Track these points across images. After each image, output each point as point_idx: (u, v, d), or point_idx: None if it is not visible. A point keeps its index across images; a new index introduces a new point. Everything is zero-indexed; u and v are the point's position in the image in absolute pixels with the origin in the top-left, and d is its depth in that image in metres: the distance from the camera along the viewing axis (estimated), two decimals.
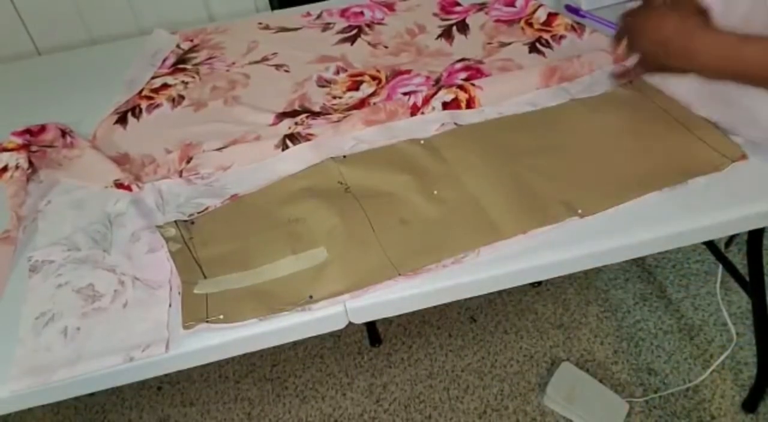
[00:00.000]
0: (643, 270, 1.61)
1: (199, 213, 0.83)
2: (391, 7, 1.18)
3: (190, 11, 1.27)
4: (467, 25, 1.11)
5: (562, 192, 0.78)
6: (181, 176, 0.89)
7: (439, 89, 0.96)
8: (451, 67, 1.02)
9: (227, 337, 0.70)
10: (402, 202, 0.79)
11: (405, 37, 1.11)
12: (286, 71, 1.06)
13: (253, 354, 0.73)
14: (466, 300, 1.45)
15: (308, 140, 0.91)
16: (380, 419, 1.41)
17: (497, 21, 1.11)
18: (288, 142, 0.91)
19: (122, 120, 1.00)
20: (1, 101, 1.08)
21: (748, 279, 1.29)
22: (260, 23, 1.18)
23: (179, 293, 0.73)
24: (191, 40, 1.16)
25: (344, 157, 0.87)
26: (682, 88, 0.85)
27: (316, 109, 0.98)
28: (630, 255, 0.77)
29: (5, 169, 0.91)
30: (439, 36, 1.10)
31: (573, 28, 1.06)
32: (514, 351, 1.48)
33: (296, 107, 0.99)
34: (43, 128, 0.96)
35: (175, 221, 0.81)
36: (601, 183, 0.79)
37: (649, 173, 0.79)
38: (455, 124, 0.91)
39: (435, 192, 0.80)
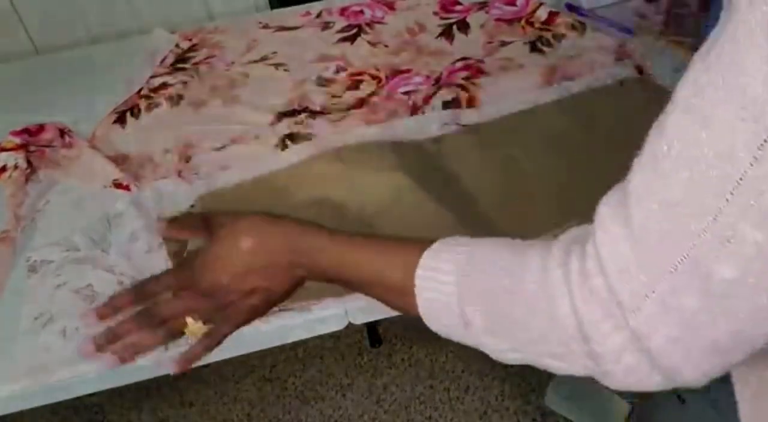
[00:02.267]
0: None
1: (191, 205, 0.83)
2: (391, 6, 1.17)
3: (189, 10, 1.27)
4: (468, 24, 1.11)
5: (563, 198, 0.78)
6: (180, 176, 0.89)
7: (440, 88, 0.96)
8: (452, 66, 1.02)
9: (226, 338, 0.70)
10: (400, 206, 0.79)
11: (405, 36, 1.10)
12: (286, 70, 1.06)
13: (253, 354, 0.73)
14: None
15: (308, 140, 0.91)
16: (380, 420, 1.41)
17: (498, 20, 1.11)
18: (288, 142, 0.91)
19: (121, 119, 1.00)
20: None
21: None
22: (260, 22, 1.18)
23: None
24: (190, 40, 1.16)
25: (340, 154, 0.86)
26: None
27: (316, 108, 0.97)
28: None
29: (4, 168, 0.90)
30: (440, 35, 1.09)
31: (574, 27, 1.06)
32: None
33: (296, 106, 0.98)
34: (41, 128, 0.95)
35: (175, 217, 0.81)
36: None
37: None
38: (456, 124, 0.90)
39: (438, 194, 0.80)
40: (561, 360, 0.41)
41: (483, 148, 0.86)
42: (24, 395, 0.68)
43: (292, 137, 0.91)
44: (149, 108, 1.02)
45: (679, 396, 0.59)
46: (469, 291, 0.43)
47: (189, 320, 0.54)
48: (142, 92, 1.05)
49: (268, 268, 0.53)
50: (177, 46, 1.14)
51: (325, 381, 1.48)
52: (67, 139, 0.95)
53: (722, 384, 0.51)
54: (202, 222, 0.57)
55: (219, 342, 0.56)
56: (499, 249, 0.44)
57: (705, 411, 0.55)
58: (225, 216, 0.56)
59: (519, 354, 0.44)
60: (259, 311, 0.56)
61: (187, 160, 0.91)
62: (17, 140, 0.93)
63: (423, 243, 0.47)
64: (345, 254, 0.51)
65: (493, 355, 0.45)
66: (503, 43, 1.06)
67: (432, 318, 0.46)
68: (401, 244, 0.49)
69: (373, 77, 1.02)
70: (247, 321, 0.56)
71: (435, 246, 0.46)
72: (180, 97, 1.03)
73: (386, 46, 1.09)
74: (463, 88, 0.96)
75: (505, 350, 0.43)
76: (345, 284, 0.53)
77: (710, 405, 0.54)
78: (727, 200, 0.31)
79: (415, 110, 0.94)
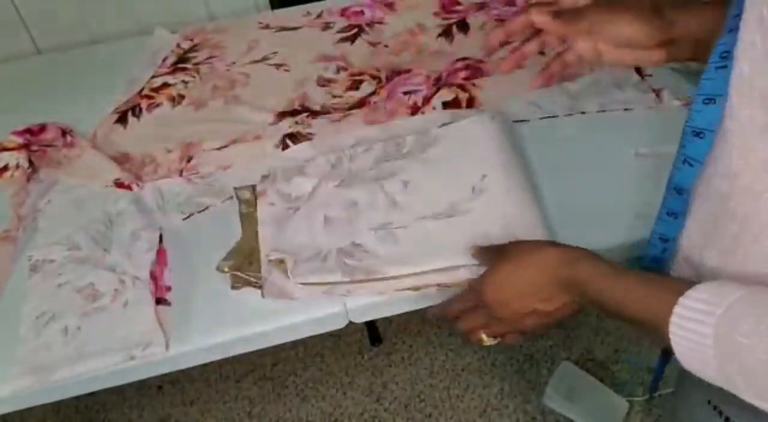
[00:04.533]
0: (644, 269, 1.61)
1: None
2: (391, 6, 1.17)
3: (190, 11, 1.27)
4: (467, 25, 1.11)
5: None
6: (181, 175, 0.89)
7: (440, 88, 0.96)
8: (452, 66, 1.02)
9: (227, 337, 0.70)
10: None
11: (405, 36, 1.11)
12: (286, 70, 1.06)
13: (253, 353, 0.73)
14: None
15: (308, 139, 0.91)
16: (381, 418, 1.41)
17: (498, 20, 1.11)
18: (288, 142, 0.91)
19: (122, 119, 1.00)
20: (1, 101, 1.08)
21: None
22: (260, 22, 1.18)
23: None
24: (191, 40, 1.16)
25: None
26: None
27: (317, 108, 0.98)
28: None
29: (5, 168, 0.91)
30: (440, 35, 1.10)
31: None
32: (514, 351, 1.49)
33: (296, 106, 0.98)
34: (43, 127, 0.96)
35: (252, 185, 0.84)
36: None
37: None
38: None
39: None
40: None
41: None
42: (25, 394, 0.68)
43: (293, 137, 0.92)
44: (150, 108, 1.02)
45: (727, 419, 0.57)
46: (727, 350, 0.42)
47: (483, 336, 0.64)
48: (144, 92, 1.05)
49: (544, 291, 0.58)
50: (178, 46, 1.15)
51: (326, 380, 1.48)
52: (68, 138, 0.95)
53: None
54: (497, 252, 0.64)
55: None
56: (763, 307, 0.42)
57: None
58: (518, 244, 0.64)
59: None
60: (537, 330, 0.62)
61: (189, 159, 0.91)
62: (19, 140, 0.94)
63: (685, 283, 0.46)
64: (610, 287, 0.53)
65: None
66: (503, 43, 1.05)
67: (686, 361, 0.45)
68: (664, 281, 0.50)
69: (373, 77, 1.02)
70: (526, 337, 0.65)
71: (696, 289, 0.45)
72: (181, 96, 1.03)
73: (386, 46, 1.09)
74: (463, 88, 0.96)
75: None
76: (606, 310, 0.54)
77: None
78: None
79: (415, 110, 0.94)
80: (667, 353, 0.72)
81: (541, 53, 1.02)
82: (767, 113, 0.41)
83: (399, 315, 0.75)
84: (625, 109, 0.90)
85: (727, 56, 0.43)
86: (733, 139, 0.44)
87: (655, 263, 0.59)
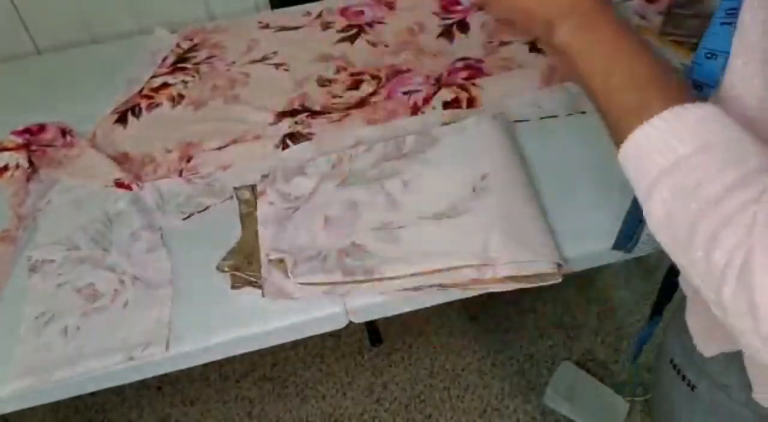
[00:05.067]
0: (644, 269, 1.61)
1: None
2: (391, 6, 1.17)
3: (190, 10, 1.27)
4: (468, 24, 1.11)
5: None
6: (181, 175, 0.89)
7: (440, 88, 0.96)
8: (452, 66, 1.02)
9: (227, 337, 0.70)
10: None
11: (405, 36, 1.10)
12: (286, 70, 1.06)
13: (253, 353, 0.73)
14: (465, 299, 1.45)
15: (308, 139, 0.91)
16: (381, 418, 1.41)
17: (498, 19, 1.11)
18: (288, 141, 0.91)
19: (122, 119, 1.00)
20: (1, 101, 1.08)
21: None
22: (260, 22, 1.18)
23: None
24: (191, 39, 1.16)
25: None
26: None
27: (317, 108, 0.98)
28: None
29: (5, 168, 0.91)
30: (440, 35, 1.09)
31: None
32: (514, 351, 1.48)
33: (296, 106, 0.98)
34: (42, 127, 0.96)
35: (252, 185, 0.84)
36: None
37: None
38: None
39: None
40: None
41: None
42: (25, 394, 0.68)
43: (293, 137, 0.92)
44: (150, 107, 1.02)
45: (689, 383, 0.58)
46: (676, 176, 0.39)
47: None
48: (143, 92, 1.05)
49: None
50: (178, 46, 1.15)
51: (326, 380, 1.48)
52: (68, 138, 0.95)
53: (734, 370, 0.51)
54: None
55: None
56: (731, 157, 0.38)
57: (716, 397, 0.55)
58: None
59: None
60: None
61: (188, 159, 0.91)
62: (19, 140, 0.94)
63: (686, 96, 0.41)
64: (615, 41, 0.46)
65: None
66: (503, 43, 1.06)
67: (626, 161, 0.43)
68: (666, 83, 0.43)
69: (373, 77, 1.02)
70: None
71: (688, 108, 0.40)
72: (181, 96, 1.03)
73: (386, 46, 1.09)
74: (463, 88, 0.96)
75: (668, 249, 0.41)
76: (581, 65, 0.48)
77: (722, 390, 0.54)
78: None
79: (415, 110, 0.94)
80: (658, 313, 0.73)
81: (542, 52, 1.03)
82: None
83: (399, 315, 0.75)
84: None
85: (733, 13, 0.43)
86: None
87: None
